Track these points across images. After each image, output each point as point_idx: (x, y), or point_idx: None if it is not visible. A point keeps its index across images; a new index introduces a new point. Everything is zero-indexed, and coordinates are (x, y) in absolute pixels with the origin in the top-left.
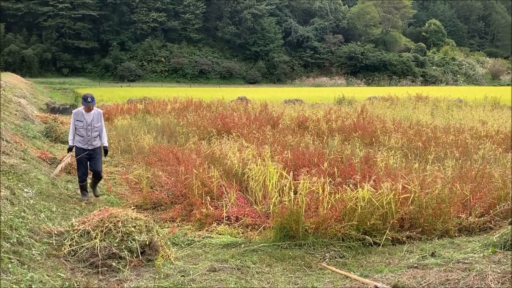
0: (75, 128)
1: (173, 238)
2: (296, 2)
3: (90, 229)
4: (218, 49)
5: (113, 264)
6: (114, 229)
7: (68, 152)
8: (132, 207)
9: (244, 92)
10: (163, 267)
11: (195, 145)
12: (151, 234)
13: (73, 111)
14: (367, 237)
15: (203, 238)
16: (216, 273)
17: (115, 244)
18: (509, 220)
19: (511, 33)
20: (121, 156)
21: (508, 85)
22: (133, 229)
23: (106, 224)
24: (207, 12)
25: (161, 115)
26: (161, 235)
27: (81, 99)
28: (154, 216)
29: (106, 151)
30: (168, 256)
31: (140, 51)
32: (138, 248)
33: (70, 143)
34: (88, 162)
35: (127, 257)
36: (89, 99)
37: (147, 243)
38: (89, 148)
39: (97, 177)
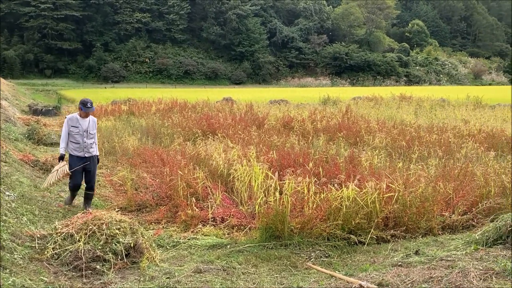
0: (69, 135)
1: (158, 240)
2: (280, 2)
3: (74, 232)
4: (203, 49)
5: (97, 267)
6: (98, 232)
7: (59, 161)
8: (117, 209)
9: (229, 93)
10: (148, 269)
11: (180, 146)
12: (135, 236)
13: (67, 116)
14: (352, 236)
15: (189, 239)
16: (201, 274)
17: (99, 247)
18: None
19: (492, 34)
20: (105, 158)
21: (489, 84)
22: (117, 231)
23: (90, 227)
24: (191, 12)
25: (146, 116)
26: (146, 237)
27: (79, 105)
28: (139, 218)
29: (97, 160)
30: (153, 258)
31: (124, 52)
32: (123, 250)
33: (62, 151)
34: (84, 173)
35: (112, 259)
36: (88, 105)
37: (132, 245)
38: (86, 155)
39: (91, 189)
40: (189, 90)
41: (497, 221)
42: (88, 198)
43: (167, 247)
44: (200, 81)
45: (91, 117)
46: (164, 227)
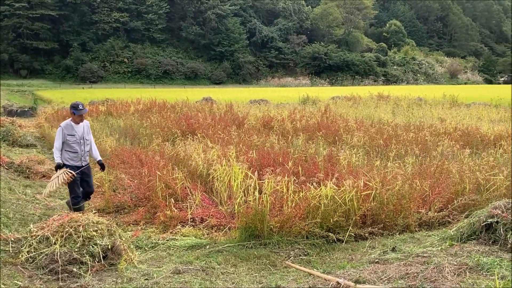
0: (64, 143)
1: (136, 242)
2: (260, 2)
3: (50, 235)
4: (182, 49)
5: (74, 269)
6: (75, 234)
7: (56, 171)
8: (94, 211)
9: (209, 93)
10: (126, 271)
11: (159, 146)
12: (113, 238)
13: (61, 124)
14: (330, 234)
15: (167, 240)
16: (180, 275)
17: (76, 249)
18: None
19: (467, 34)
20: None
21: (465, 83)
22: (94, 233)
23: (67, 229)
24: (170, 12)
25: (124, 116)
26: (124, 239)
27: (70, 110)
28: (117, 219)
29: (103, 166)
30: (132, 260)
31: (102, 52)
32: (100, 252)
33: (58, 160)
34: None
35: (89, 262)
36: (80, 107)
37: (109, 247)
38: (83, 164)
39: (88, 197)
40: (169, 90)
41: (471, 217)
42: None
43: (146, 248)
44: (180, 81)
45: (84, 122)
46: (143, 228)
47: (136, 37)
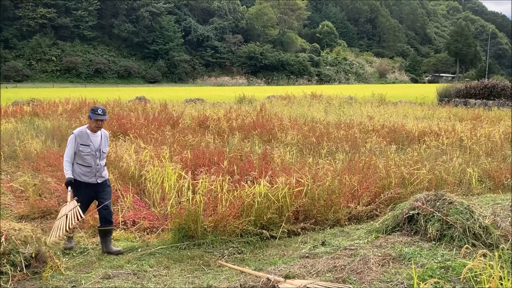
0: (75, 155)
1: (64, 248)
2: (194, 1)
3: None
4: (114, 47)
5: None
6: None
7: (68, 189)
8: (16, 218)
9: (143, 92)
10: (51, 278)
11: None
12: (37, 245)
13: (74, 131)
14: (264, 231)
15: (97, 245)
16: (110, 280)
17: None
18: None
19: (395, 35)
20: (5, 163)
21: (393, 82)
22: (16, 241)
23: None
24: (101, 9)
25: (52, 117)
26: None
27: (89, 113)
28: (43, 225)
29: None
30: (58, 267)
31: (27, 49)
32: (23, 261)
33: (69, 174)
34: (96, 202)
35: (10, 272)
36: (100, 111)
37: (33, 255)
38: (98, 181)
39: (108, 222)
40: (100, 89)
41: (395, 210)
42: (106, 235)
43: (74, 254)
44: (112, 80)
45: (102, 131)
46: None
47: (65, 34)
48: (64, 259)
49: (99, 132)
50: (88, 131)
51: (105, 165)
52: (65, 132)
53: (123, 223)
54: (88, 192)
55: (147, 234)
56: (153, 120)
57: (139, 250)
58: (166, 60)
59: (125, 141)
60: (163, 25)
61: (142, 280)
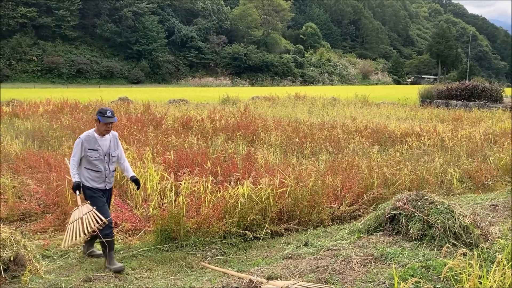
0: (83, 159)
1: (44, 251)
2: (178, 1)
3: None
4: (97, 47)
5: None
6: None
7: (75, 192)
8: None
9: (126, 93)
10: (31, 282)
11: (69, 149)
12: (16, 248)
13: (80, 136)
14: (247, 232)
15: (78, 247)
16: (91, 283)
17: None
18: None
19: (377, 37)
20: None
21: (376, 84)
22: None
23: None
24: (83, 8)
25: (32, 118)
26: (29, 248)
27: (96, 116)
28: (22, 228)
29: (137, 183)
30: (37, 270)
31: (7, 49)
32: (1, 264)
33: (77, 178)
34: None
35: None
36: (109, 113)
37: (12, 258)
38: (107, 187)
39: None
40: (83, 90)
41: (377, 210)
42: (105, 247)
43: (54, 257)
44: (95, 81)
45: (111, 133)
46: (51, 236)
47: (46, 34)
48: (44, 262)
49: (108, 135)
50: (96, 135)
51: (114, 171)
52: (46, 133)
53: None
54: (102, 196)
55: (129, 236)
56: (136, 121)
57: (121, 252)
58: (150, 60)
59: None
60: (147, 26)
61: (124, 282)
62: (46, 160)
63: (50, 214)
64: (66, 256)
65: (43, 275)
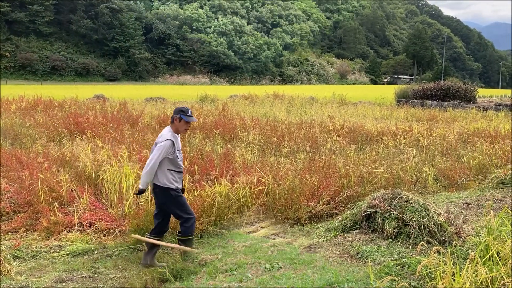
0: (165, 161)
1: (15, 251)
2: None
3: None
4: (72, 44)
5: None
6: None
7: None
8: None
9: (102, 90)
10: (1, 284)
11: (43, 147)
12: None
13: (168, 137)
14: (224, 231)
15: (51, 247)
16: (64, 284)
17: None
18: None
19: (355, 37)
20: None
21: (353, 83)
22: None
23: None
24: (58, 4)
25: (4, 115)
26: None
27: (177, 115)
28: None
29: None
30: (8, 271)
31: None
32: None
33: (144, 186)
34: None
35: None
36: (190, 112)
37: None
38: (182, 185)
39: (162, 235)
40: (57, 87)
41: (353, 209)
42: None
43: (26, 258)
44: (70, 78)
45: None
46: (23, 236)
47: (20, 30)
48: (15, 263)
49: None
50: (176, 135)
51: None
52: (19, 131)
53: (79, 224)
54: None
55: (104, 235)
56: (112, 119)
57: (95, 252)
58: (127, 57)
59: (82, 140)
60: (124, 22)
61: (98, 283)
62: (18, 158)
63: (22, 214)
64: (38, 256)
65: (14, 276)
